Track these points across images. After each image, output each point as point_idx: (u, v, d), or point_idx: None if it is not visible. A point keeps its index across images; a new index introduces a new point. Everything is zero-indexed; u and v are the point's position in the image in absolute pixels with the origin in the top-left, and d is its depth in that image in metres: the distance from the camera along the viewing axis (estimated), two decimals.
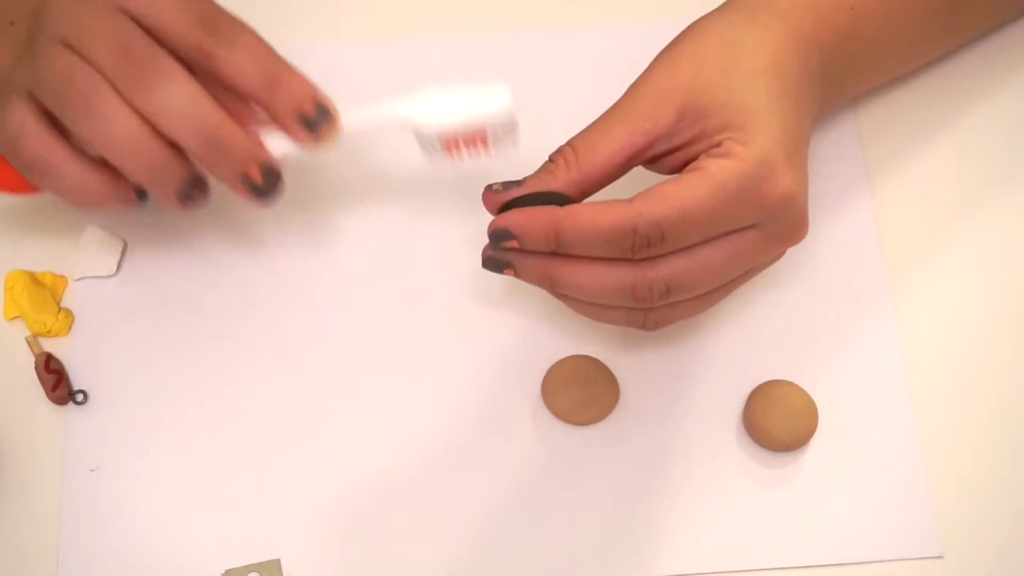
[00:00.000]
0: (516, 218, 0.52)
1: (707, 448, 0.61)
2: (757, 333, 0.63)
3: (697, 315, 0.56)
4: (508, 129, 0.54)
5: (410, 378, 0.62)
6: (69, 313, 0.63)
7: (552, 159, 0.54)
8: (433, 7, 0.70)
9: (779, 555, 0.59)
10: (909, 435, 0.61)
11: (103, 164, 0.53)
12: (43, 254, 0.64)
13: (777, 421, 0.60)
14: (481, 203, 0.54)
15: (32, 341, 0.62)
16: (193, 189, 0.53)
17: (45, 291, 0.63)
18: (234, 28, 0.52)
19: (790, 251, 0.63)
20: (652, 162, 0.54)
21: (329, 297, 0.64)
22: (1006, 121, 0.67)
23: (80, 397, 0.61)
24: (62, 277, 0.64)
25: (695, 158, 0.52)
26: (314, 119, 0.52)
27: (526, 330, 0.63)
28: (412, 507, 0.60)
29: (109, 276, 0.64)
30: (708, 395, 0.62)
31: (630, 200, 0.51)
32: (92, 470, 0.60)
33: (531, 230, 0.52)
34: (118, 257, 0.64)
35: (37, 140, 0.52)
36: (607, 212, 0.50)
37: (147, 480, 0.60)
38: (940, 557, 0.59)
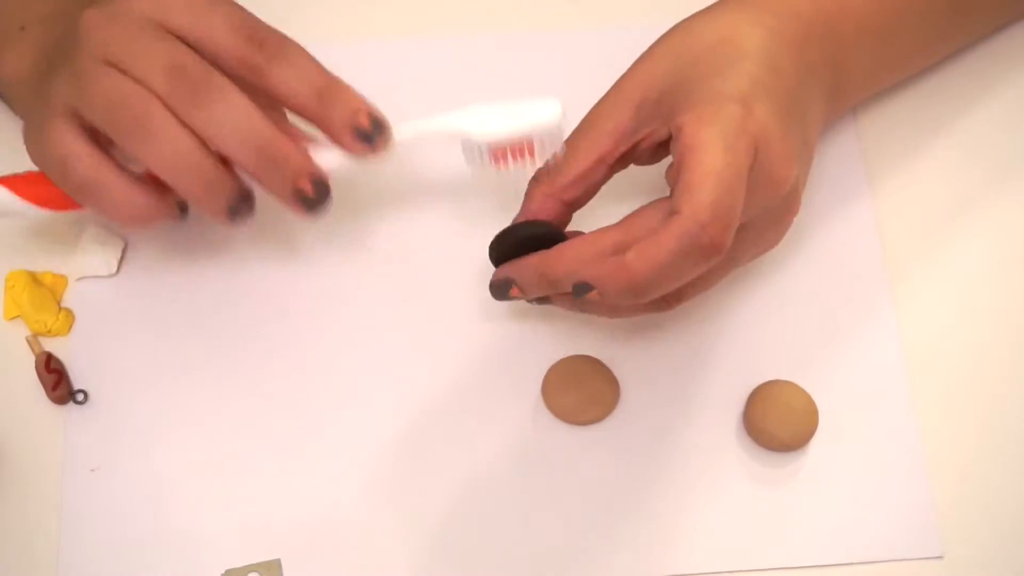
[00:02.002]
0: (510, 271, 0.54)
1: (707, 448, 0.61)
2: (757, 333, 0.63)
3: (712, 287, 0.56)
4: (555, 140, 0.54)
5: (410, 378, 0.62)
6: (69, 313, 0.63)
7: (529, 184, 0.55)
8: (433, 8, 0.70)
9: (779, 555, 0.59)
10: (909, 435, 0.61)
11: (149, 182, 0.53)
12: (43, 254, 0.64)
13: (777, 421, 0.60)
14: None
15: (32, 341, 0.62)
16: (241, 204, 0.53)
17: (45, 291, 0.63)
18: (282, 44, 0.52)
19: (790, 251, 0.64)
20: (627, 159, 0.55)
21: (328, 297, 0.64)
22: (1006, 121, 0.67)
23: (80, 397, 0.61)
24: (62, 277, 0.64)
25: (662, 142, 0.53)
26: (369, 132, 0.53)
27: (526, 330, 0.63)
28: (412, 507, 0.60)
29: (109, 276, 0.64)
30: (708, 395, 0.62)
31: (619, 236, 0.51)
32: (92, 470, 0.60)
33: (525, 279, 0.53)
34: (118, 257, 0.64)
35: (87, 162, 0.52)
36: (590, 245, 0.51)
37: (147, 480, 0.60)
38: (940, 557, 0.59)
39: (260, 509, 0.60)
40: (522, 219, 0.56)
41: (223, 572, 0.58)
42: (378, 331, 0.63)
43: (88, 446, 0.60)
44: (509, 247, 0.54)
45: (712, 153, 0.49)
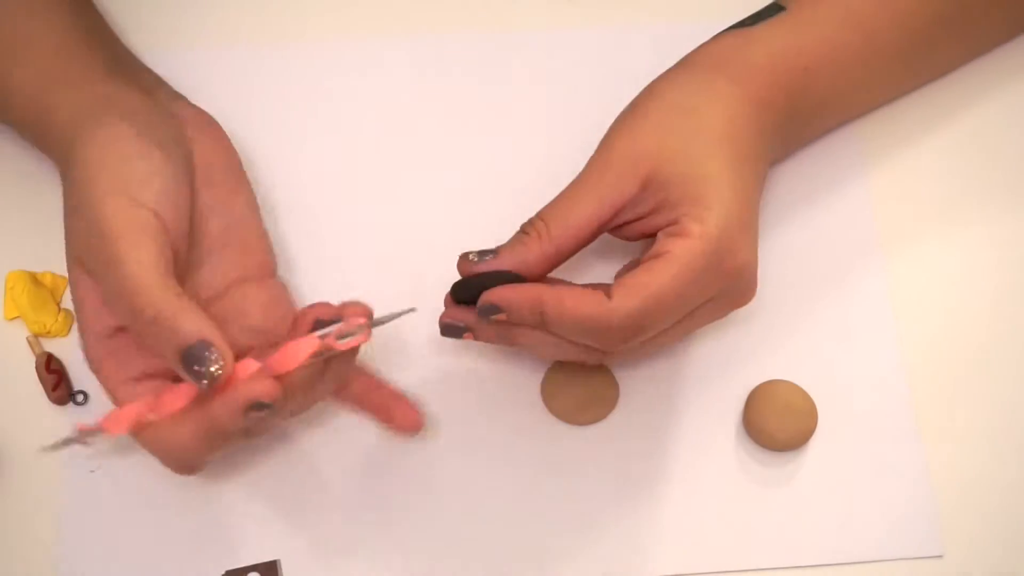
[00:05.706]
0: (505, 294, 0.54)
1: (707, 448, 0.61)
2: (757, 333, 0.63)
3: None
4: None
5: (410, 379, 0.62)
6: (69, 313, 0.63)
7: (525, 231, 0.56)
8: (434, 6, 0.70)
9: (779, 555, 0.59)
10: (909, 435, 0.61)
11: None
12: (43, 254, 0.64)
13: (777, 421, 0.60)
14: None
15: (33, 341, 0.62)
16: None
17: (45, 291, 0.63)
18: None
19: (790, 251, 0.64)
20: (616, 230, 0.56)
21: (329, 297, 0.64)
22: (1005, 121, 0.67)
23: (80, 397, 0.61)
24: (62, 277, 0.64)
25: (655, 229, 0.54)
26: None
27: None
28: (411, 507, 0.60)
29: None
30: (708, 395, 0.62)
31: (608, 295, 0.52)
32: (92, 470, 0.60)
33: (519, 306, 0.54)
34: None
35: None
36: (586, 303, 0.52)
37: (147, 480, 0.60)
38: (940, 557, 0.59)
39: (260, 509, 0.60)
40: (507, 267, 0.55)
41: (223, 572, 0.58)
42: (379, 334, 0.63)
43: (88, 446, 0.60)
44: (478, 292, 0.55)
45: (668, 273, 0.52)
